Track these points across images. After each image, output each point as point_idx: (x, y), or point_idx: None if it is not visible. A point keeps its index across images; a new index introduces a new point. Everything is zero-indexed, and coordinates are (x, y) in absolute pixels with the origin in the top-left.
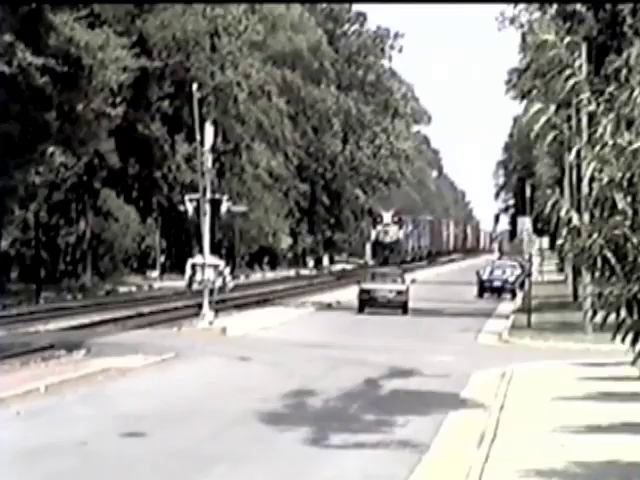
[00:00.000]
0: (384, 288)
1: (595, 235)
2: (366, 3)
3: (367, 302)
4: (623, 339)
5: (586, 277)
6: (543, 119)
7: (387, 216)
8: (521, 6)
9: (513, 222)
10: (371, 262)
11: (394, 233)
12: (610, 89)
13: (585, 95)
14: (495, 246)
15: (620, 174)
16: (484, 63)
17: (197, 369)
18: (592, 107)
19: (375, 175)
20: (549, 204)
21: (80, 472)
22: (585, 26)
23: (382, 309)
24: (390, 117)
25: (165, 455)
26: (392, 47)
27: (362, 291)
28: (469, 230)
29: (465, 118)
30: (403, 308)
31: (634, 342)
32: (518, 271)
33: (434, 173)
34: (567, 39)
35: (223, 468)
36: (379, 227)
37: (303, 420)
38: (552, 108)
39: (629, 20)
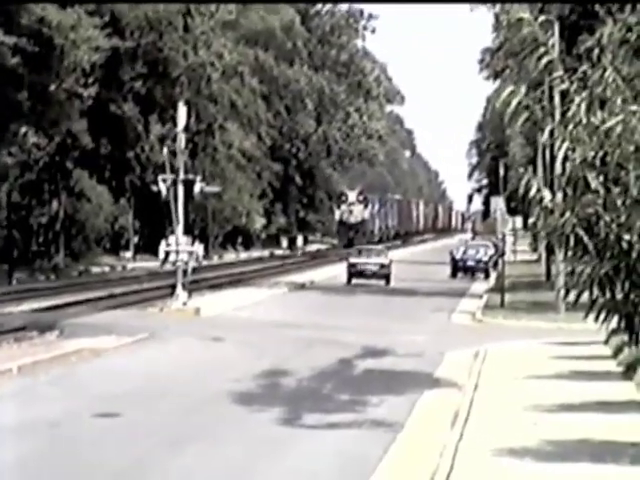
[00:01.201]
0: (369, 262)
1: (568, 214)
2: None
3: (354, 274)
4: (596, 318)
5: (559, 256)
6: (515, 100)
7: (352, 195)
8: None
9: (486, 202)
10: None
11: (359, 213)
12: (583, 68)
13: (558, 73)
14: (468, 226)
15: (593, 153)
16: (457, 43)
17: (171, 350)
18: (565, 85)
19: (348, 155)
20: (522, 183)
21: (53, 453)
22: (557, 5)
23: (368, 280)
24: (363, 97)
25: (138, 436)
26: (365, 27)
27: (350, 265)
28: (440, 210)
29: (438, 98)
30: (386, 279)
31: (606, 320)
32: (491, 251)
33: (407, 153)
34: (541, 18)
35: (197, 448)
36: (343, 207)
37: (276, 400)
38: (523, 89)
39: None
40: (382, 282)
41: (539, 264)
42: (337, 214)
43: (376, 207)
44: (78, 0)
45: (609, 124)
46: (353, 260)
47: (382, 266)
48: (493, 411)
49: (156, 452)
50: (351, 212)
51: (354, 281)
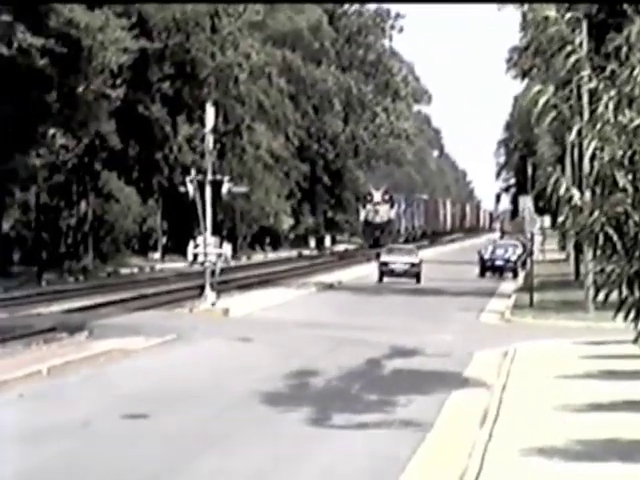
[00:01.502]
0: (400, 261)
1: (596, 212)
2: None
3: (386, 273)
4: (625, 317)
5: (588, 255)
6: (543, 99)
7: (377, 194)
8: None
9: (514, 201)
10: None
11: (385, 212)
12: (611, 67)
13: (586, 72)
14: (497, 225)
15: (621, 152)
16: (485, 42)
17: (199, 350)
18: (593, 84)
19: (375, 155)
20: (550, 182)
21: (83, 453)
22: (585, 4)
23: (399, 278)
24: (391, 97)
25: (168, 436)
26: (392, 27)
27: (381, 263)
28: (468, 209)
29: (466, 97)
30: (417, 277)
31: (636, 319)
32: (520, 250)
33: (435, 153)
34: (568, 15)
35: (227, 449)
36: (369, 206)
37: (305, 400)
38: (551, 88)
39: None
40: (413, 280)
41: (568, 263)
42: (362, 214)
43: (402, 207)
44: (106, 0)
45: (637, 122)
46: (384, 259)
47: (412, 265)
48: (522, 411)
49: (186, 452)
50: (377, 212)
51: (385, 279)
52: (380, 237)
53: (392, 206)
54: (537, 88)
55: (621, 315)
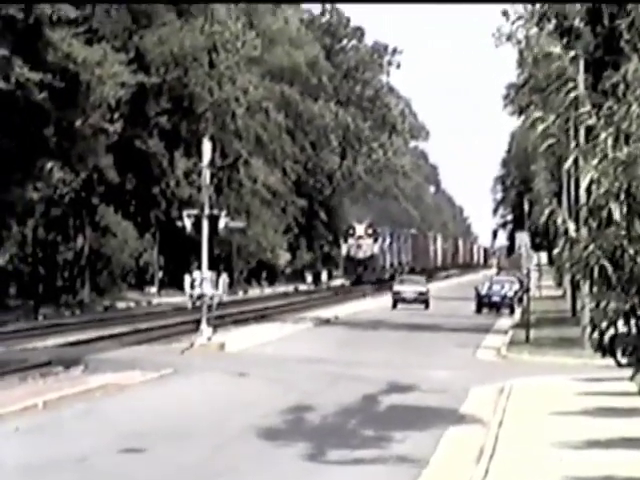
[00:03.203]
0: (410, 290)
1: (592, 246)
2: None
3: (398, 300)
4: (623, 354)
5: (584, 289)
6: (542, 126)
7: (360, 228)
8: (518, 22)
9: (511, 237)
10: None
11: (368, 247)
12: (609, 104)
13: (586, 109)
14: (493, 261)
15: (617, 184)
16: (482, 78)
17: (196, 385)
18: (591, 121)
19: (371, 190)
20: (545, 212)
21: None
22: (582, 41)
23: (410, 305)
24: (388, 132)
25: (165, 472)
26: (390, 63)
27: (394, 292)
28: (461, 244)
29: (463, 133)
30: (425, 304)
31: (631, 356)
32: (516, 286)
33: (432, 188)
34: (572, 52)
35: None
36: (351, 240)
37: (302, 436)
38: (551, 117)
39: (626, 35)
40: (422, 306)
41: (564, 299)
42: (344, 249)
43: (387, 241)
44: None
45: (634, 156)
46: (397, 289)
47: (421, 293)
48: (518, 447)
49: None
50: (359, 247)
51: (399, 306)
52: (363, 274)
53: (376, 240)
54: (537, 114)
55: (619, 352)
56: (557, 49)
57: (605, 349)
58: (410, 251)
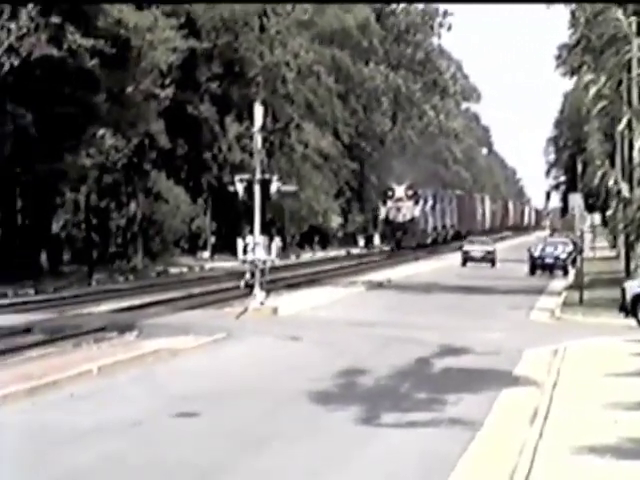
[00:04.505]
0: (479, 249)
1: None
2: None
3: (467, 259)
4: None
5: (638, 250)
6: (594, 89)
7: (399, 190)
8: None
9: (564, 199)
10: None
11: (408, 210)
12: None
13: None
14: (546, 223)
15: None
16: (533, 39)
17: (248, 349)
18: None
19: (423, 153)
20: (599, 174)
21: (132, 453)
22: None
23: (478, 263)
24: (439, 95)
25: (217, 435)
26: (441, 25)
27: (464, 252)
28: (511, 206)
29: (515, 95)
30: (492, 262)
31: None
32: (570, 248)
33: (484, 150)
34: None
35: (276, 448)
36: (390, 203)
37: (354, 399)
38: (602, 79)
39: None
40: (489, 264)
41: (618, 261)
42: (383, 212)
43: (429, 203)
44: (155, 0)
45: None
46: (466, 248)
47: (488, 252)
48: (573, 409)
49: (236, 452)
50: (399, 209)
51: (468, 264)
52: (403, 238)
53: (417, 203)
54: (589, 77)
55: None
56: (612, 10)
57: (627, 310)
58: (455, 213)
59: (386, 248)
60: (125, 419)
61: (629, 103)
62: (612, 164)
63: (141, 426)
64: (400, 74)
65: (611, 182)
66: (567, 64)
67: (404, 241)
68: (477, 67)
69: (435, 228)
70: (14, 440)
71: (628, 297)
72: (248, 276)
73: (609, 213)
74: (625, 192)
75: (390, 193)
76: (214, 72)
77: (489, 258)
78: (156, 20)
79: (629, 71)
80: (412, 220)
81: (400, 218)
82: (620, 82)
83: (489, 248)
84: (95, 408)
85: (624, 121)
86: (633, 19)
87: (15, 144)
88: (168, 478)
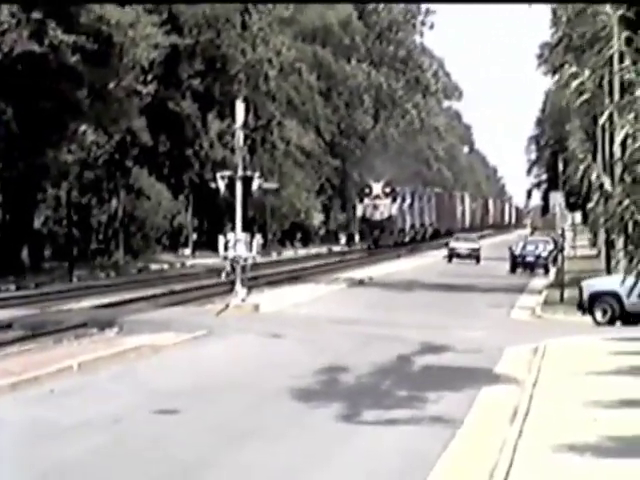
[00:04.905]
0: (464, 246)
1: (627, 200)
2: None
3: (453, 255)
4: None
5: (618, 245)
6: (576, 82)
7: (377, 187)
8: None
9: (545, 197)
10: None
11: (385, 208)
12: None
13: (626, 64)
14: (527, 221)
15: None
16: (515, 38)
17: (230, 346)
18: (628, 76)
19: (405, 151)
20: (581, 168)
21: (114, 449)
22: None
23: (463, 260)
24: (421, 93)
25: (198, 431)
26: (423, 23)
27: (450, 248)
28: (491, 204)
29: (497, 93)
30: (477, 259)
31: None
32: (551, 246)
33: (465, 149)
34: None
35: (257, 444)
36: (367, 201)
37: (336, 396)
38: (587, 72)
39: None
40: (474, 262)
41: (599, 260)
42: (359, 210)
43: (407, 201)
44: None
45: None
46: (452, 245)
47: (474, 250)
48: (553, 407)
49: (216, 448)
50: (376, 207)
51: (454, 260)
52: (380, 237)
53: (394, 201)
54: (572, 70)
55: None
56: (607, 7)
57: (584, 308)
58: (434, 212)
59: (364, 246)
60: (107, 415)
61: (611, 98)
62: (594, 158)
63: (123, 422)
64: (382, 72)
65: (594, 176)
66: (549, 63)
67: (381, 239)
68: (459, 65)
69: (413, 226)
70: None
71: (585, 296)
72: (229, 268)
73: (590, 205)
74: (607, 186)
75: (367, 190)
76: (196, 69)
77: (474, 255)
78: (138, 16)
79: (612, 65)
80: (389, 218)
81: (377, 216)
82: (602, 77)
83: (474, 245)
84: (76, 404)
85: (605, 115)
86: (620, 12)
87: None
88: (151, 473)
